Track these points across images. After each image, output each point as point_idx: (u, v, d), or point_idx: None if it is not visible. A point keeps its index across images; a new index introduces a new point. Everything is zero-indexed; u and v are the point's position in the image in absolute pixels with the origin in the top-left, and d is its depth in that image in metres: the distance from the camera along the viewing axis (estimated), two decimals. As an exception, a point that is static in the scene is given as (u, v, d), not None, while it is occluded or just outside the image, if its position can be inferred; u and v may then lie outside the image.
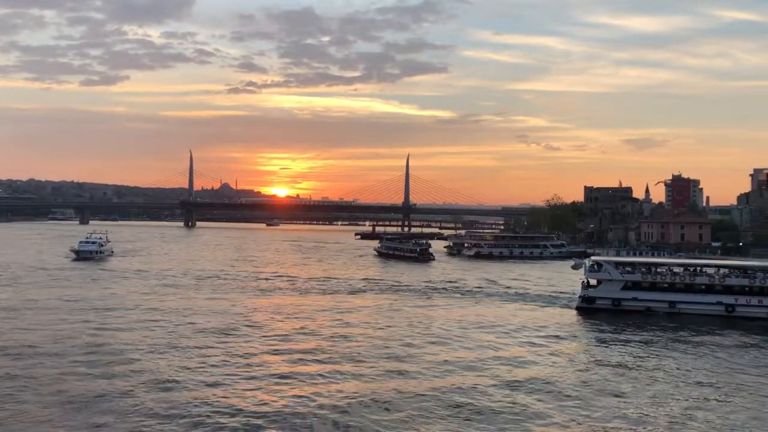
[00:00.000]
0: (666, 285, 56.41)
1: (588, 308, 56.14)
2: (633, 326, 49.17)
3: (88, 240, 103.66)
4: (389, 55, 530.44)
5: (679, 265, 61.60)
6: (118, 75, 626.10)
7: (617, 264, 60.09)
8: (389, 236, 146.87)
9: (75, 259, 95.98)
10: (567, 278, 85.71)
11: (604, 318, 52.98)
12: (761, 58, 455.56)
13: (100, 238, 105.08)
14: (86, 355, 35.41)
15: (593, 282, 58.29)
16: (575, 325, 50.58)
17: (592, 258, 64.36)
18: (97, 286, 67.14)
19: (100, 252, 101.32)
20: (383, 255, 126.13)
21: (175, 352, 36.52)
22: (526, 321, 50.86)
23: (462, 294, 67.73)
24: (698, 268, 58.62)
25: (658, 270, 58.18)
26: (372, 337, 42.56)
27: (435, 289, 71.32)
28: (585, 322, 51.85)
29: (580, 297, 57.76)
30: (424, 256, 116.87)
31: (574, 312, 56.00)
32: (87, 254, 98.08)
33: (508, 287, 73.31)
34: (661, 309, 54.96)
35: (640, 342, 43.53)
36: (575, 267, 63.96)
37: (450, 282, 79.01)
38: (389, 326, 47.01)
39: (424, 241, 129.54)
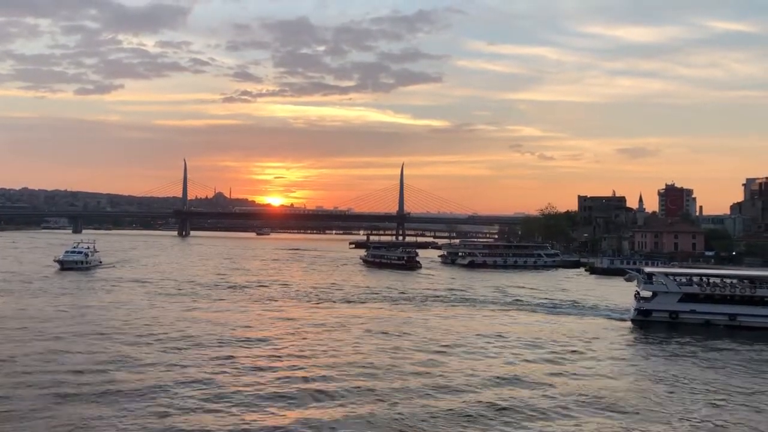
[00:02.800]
0: (725, 297, 54.44)
1: (644, 321, 54.35)
2: (698, 341, 46.84)
3: (73, 250, 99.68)
4: (384, 65, 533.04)
5: (733, 276, 59.57)
6: (113, 84, 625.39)
7: (672, 275, 58.24)
8: (376, 245, 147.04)
9: (60, 270, 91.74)
10: (581, 288, 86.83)
11: (662, 331, 51.03)
12: (753, 68, 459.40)
13: (87, 248, 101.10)
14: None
15: (645, 294, 56.39)
16: (638, 340, 48.42)
17: (646, 269, 62.05)
18: (72, 297, 63.82)
19: (87, 262, 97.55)
20: (370, 263, 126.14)
21: (168, 381, 32.38)
22: (579, 334, 48.61)
23: (498, 305, 65.94)
24: (757, 281, 56.46)
25: (713, 281, 56.36)
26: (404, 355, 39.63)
27: (473, 300, 69.78)
28: (646, 336, 49.56)
29: (635, 310, 55.83)
30: (411, 264, 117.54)
31: (628, 324, 54.26)
32: (72, 264, 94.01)
33: (545, 298, 72.01)
34: (721, 322, 52.91)
35: (717, 361, 40.76)
36: (628, 279, 62.39)
37: (461, 291, 78.63)
38: (413, 340, 44.84)
39: (411, 249, 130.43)
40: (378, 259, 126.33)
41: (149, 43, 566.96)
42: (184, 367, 35.15)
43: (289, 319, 53.86)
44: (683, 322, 53.58)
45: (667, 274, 58.34)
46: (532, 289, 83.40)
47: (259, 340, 43.82)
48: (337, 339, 44.65)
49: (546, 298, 72.06)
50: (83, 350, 38.61)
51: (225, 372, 34.28)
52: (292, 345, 42.35)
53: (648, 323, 54.00)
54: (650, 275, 57.56)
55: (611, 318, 57.81)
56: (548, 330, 50.54)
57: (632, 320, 55.21)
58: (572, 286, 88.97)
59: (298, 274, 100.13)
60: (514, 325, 52.78)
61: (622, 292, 79.66)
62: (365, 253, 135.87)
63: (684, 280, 57.32)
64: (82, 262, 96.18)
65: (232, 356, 38.14)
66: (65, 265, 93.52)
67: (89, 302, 60.51)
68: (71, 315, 52.31)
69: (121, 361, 35.79)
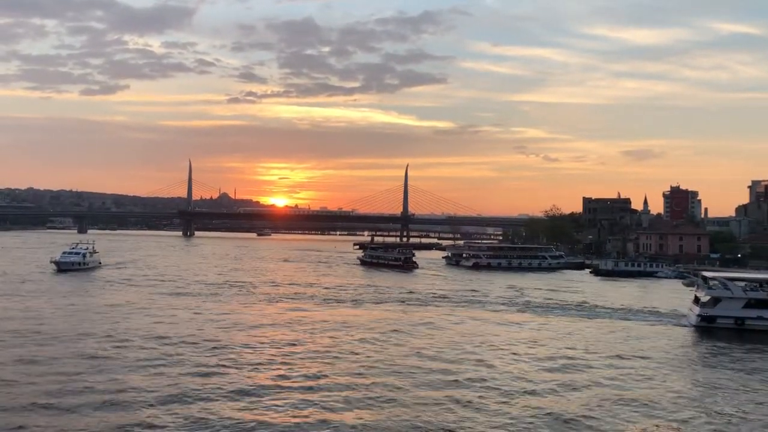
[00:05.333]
0: None
1: (707, 327, 51.98)
2: None
3: (71, 251, 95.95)
4: (389, 66, 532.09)
5: None
6: (119, 84, 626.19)
7: (735, 280, 56.03)
8: (373, 245, 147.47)
9: (56, 272, 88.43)
10: (599, 290, 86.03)
11: (731, 339, 48.69)
12: (759, 70, 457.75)
13: (86, 249, 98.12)
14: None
15: (705, 299, 54.28)
16: (710, 350, 45.31)
17: (707, 274, 59.13)
18: (56, 300, 60.61)
19: (85, 263, 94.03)
20: (367, 264, 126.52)
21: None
22: (640, 342, 46.44)
23: (541, 309, 64.21)
24: None
25: None
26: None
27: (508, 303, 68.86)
28: (716, 345, 46.55)
29: (698, 315, 53.38)
30: (408, 265, 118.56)
31: (688, 331, 52.21)
32: (69, 266, 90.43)
33: (578, 302, 70.22)
34: None
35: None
36: (688, 284, 59.81)
37: (475, 292, 78.44)
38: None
39: (408, 250, 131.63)
40: (375, 259, 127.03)
41: (155, 43, 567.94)
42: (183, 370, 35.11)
43: (293, 319, 53.53)
44: (750, 329, 51.44)
45: (729, 279, 55.84)
46: (554, 291, 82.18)
47: (261, 341, 43.59)
48: (353, 342, 44.35)
49: (578, 302, 70.30)
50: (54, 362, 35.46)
51: (223, 376, 34.19)
52: (299, 347, 42.15)
53: (712, 330, 51.72)
54: (711, 279, 55.34)
55: (668, 324, 55.50)
56: (609, 337, 48.11)
57: (695, 326, 52.95)
58: (589, 289, 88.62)
59: (302, 275, 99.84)
60: (567, 332, 50.32)
61: (645, 295, 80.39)
62: (363, 254, 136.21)
63: (746, 285, 54.96)
64: (79, 264, 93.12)
65: (227, 361, 37.70)
66: (62, 267, 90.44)
67: (73, 305, 56.88)
68: (45, 320, 48.85)
69: (94, 372, 33.18)
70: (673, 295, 78.88)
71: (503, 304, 67.71)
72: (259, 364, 36.37)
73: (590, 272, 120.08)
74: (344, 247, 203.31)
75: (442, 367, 36.71)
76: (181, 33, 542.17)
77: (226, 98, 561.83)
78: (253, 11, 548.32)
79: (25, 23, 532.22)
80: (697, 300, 55.75)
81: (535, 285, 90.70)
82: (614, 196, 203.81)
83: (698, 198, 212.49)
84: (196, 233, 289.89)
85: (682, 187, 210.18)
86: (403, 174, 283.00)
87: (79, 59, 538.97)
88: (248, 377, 33.29)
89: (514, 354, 40.96)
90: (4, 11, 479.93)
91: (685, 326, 54.10)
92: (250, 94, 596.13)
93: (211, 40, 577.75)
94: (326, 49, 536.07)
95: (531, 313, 61.03)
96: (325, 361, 37.52)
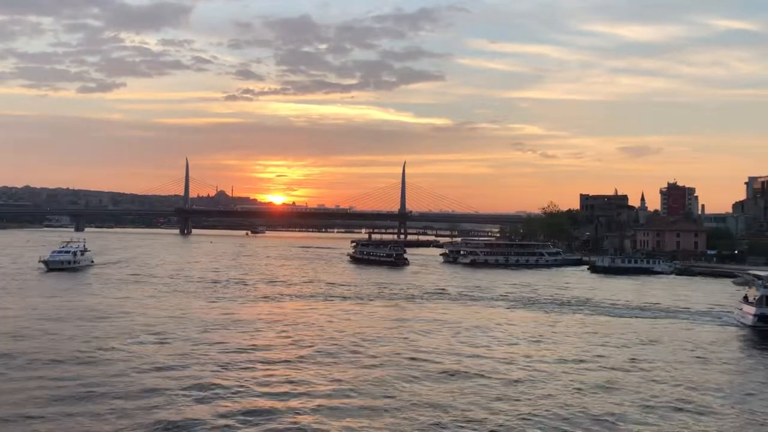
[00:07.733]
0: None
1: (765, 328, 50.73)
2: None
3: (61, 249, 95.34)
4: (386, 63, 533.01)
5: None
6: (115, 82, 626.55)
7: None
8: (363, 242, 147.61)
9: (46, 271, 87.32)
10: (612, 288, 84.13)
11: None
12: (755, 66, 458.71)
13: (77, 247, 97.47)
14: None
15: (758, 299, 52.68)
16: None
17: (757, 272, 57.72)
18: (34, 299, 59.16)
19: (76, 262, 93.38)
20: (357, 260, 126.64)
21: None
22: (716, 348, 44.50)
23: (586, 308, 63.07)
24: None
25: None
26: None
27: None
28: None
29: (755, 316, 51.64)
30: (399, 261, 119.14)
31: (741, 332, 50.73)
32: (58, 265, 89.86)
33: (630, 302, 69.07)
34: None
35: None
36: (741, 282, 58.50)
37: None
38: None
39: (399, 247, 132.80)
40: (366, 256, 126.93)
41: (151, 41, 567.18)
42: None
43: (287, 315, 53.29)
44: None
45: None
46: (593, 290, 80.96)
47: (248, 334, 43.40)
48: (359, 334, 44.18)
49: (591, 300, 69.48)
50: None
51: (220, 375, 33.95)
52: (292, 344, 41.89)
53: None
54: (767, 279, 53.65)
55: (717, 323, 54.35)
56: (670, 340, 46.47)
57: (752, 327, 51.35)
58: (596, 285, 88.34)
59: (289, 272, 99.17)
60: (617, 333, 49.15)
61: (657, 292, 79.38)
62: (353, 251, 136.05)
63: None
64: (69, 262, 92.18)
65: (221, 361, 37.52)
66: (51, 266, 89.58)
67: (54, 305, 55.65)
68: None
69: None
70: (684, 292, 79.76)
71: (504, 301, 67.33)
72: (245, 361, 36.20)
73: (588, 269, 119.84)
74: (341, 244, 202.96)
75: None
76: (178, 30, 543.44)
77: (223, 96, 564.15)
78: (250, 8, 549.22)
79: (22, 21, 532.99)
80: (747, 299, 54.60)
81: (536, 282, 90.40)
82: (611, 192, 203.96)
83: (695, 194, 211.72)
84: (194, 231, 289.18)
85: (679, 183, 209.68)
86: (401, 171, 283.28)
87: (75, 57, 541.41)
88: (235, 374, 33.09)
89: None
90: (1, 8, 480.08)
91: (736, 326, 52.97)
92: (247, 91, 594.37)
93: (208, 37, 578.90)
94: (323, 46, 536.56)
95: (557, 313, 60.04)
96: (296, 364, 36.61)
